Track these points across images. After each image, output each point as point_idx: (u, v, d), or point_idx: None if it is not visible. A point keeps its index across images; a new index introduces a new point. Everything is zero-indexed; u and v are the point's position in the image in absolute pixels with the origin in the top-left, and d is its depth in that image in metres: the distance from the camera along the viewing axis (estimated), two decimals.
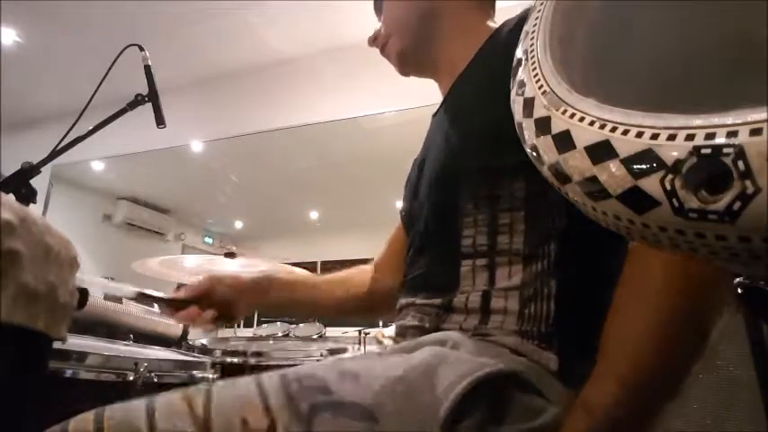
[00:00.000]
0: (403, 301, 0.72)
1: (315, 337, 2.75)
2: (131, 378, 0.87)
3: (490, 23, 0.81)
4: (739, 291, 0.30)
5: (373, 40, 0.88)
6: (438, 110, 0.82)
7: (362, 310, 0.97)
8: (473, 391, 0.48)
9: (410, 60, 0.85)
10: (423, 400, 0.48)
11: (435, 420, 0.46)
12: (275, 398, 0.46)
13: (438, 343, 0.58)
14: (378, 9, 0.89)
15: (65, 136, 1.13)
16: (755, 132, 0.21)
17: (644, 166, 0.25)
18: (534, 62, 0.34)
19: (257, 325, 3.83)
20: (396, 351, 0.62)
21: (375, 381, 0.49)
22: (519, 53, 0.37)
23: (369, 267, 0.99)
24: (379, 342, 2.96)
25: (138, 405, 0.45)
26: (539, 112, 0.32)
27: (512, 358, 0.55)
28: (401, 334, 0.70)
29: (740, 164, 0.21)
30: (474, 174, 0.65)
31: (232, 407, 0.45)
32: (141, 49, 1.24)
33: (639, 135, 0.25)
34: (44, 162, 1.06)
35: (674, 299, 0.46)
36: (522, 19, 0.68)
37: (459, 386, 0.48)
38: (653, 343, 0.47)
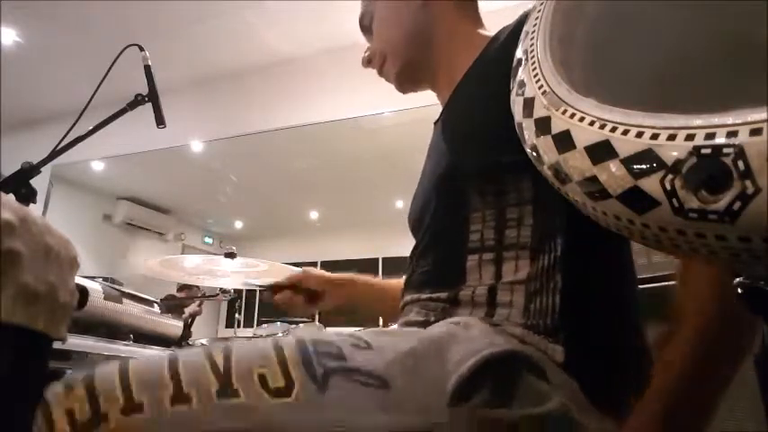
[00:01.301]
0: (407, 297, 0.72)
1: None
2: None
3: (482, 31, 0.82)
4: (739, 291, 0.30)
5: (368, 62, 0.88)
6: (439, 117, 0.82)
7: None
8: (482, 368, 0.49)
9: (410, 76, 0.86)
10: (433, 373, 0.49)
11: (444, 394, 0.47)
12: (292, 359, 0.47)
13: (450, 323, 0.58)
14: (366, 30, 0.89)
15: (65, 136, 1.13)
16: (755, 132, 0.21)
17: (644, 166, 0.25)
18: (534, 62, 0.34)
19: (257, 325, 3.83)
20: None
21: (387, 351, 0.50)
22: (519, 53, 0.37)
23: None
24: None
25: (161, 356, 0.47)
26: (539, 112, 0.32)
27: (519, 345, 0.56)
28: None
29: (740, 164, 0.21)
30: (478, 171, 0.65)
31: (251, 363, 0.46)
32: (141, 49, 1.24)
33: (639, 135, 0.25)
34: (44, 162, 1.06)
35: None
36: (519, 23, 0.68)
37: (469, 362, 0.49)
38: (720, 305, 0.48)
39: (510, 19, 0.73)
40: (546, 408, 0.49)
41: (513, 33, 0.69)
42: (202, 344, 1.51)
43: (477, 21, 0.83)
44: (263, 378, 0.45)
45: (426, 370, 0.49)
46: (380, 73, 0.88)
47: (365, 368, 0.48)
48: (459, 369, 0.48)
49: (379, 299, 1.03)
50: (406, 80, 0.86)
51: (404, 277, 1.01)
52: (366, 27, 0.88)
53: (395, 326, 0.77)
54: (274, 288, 1.04)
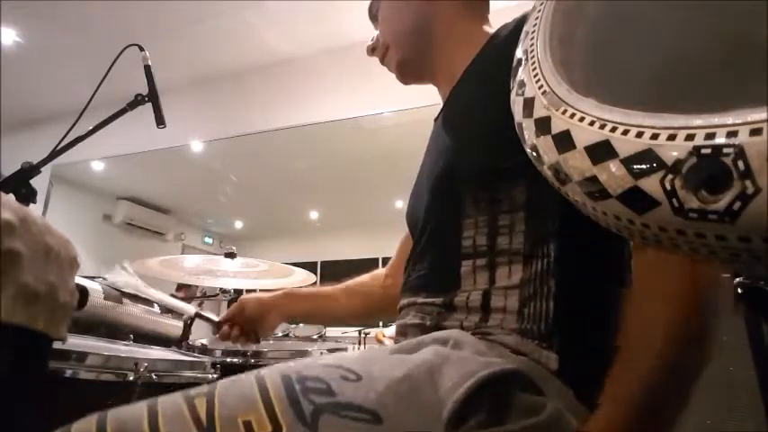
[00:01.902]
0: (404, 300, 0.72)
1: (315, 337, 2.75)
2: (131, 378, 0.87)
3: (486, 28, 0.82)
4: (739, 291, 0.30)
5: (372, 50, 0.89)
6: (439, 114, 0.82)
7: (377, 313, 1.07)
8: (476, 390, 0.48)
9: (410, 70, 0.87)
10: (426, 400, 0.48)
11: (439, 421, 0.46)
12: (278, 400, 0.45)
13: (439, 342, 0.58)
14: (373, 18, 0.90)
15: (65, 136, 1.13)
16: (755, 132, 0.21)
17: (644, 166, 0.25)
18: (534, 62, 0.34)
19: None
20: (396, 350, 0.62)
21: (377, 381, 0.49)
22: (519, 53, 0.37)
23: (382, 271, 1.05)
24: (380, 342, 2.96)
25: (140, 409, 0.45)
26: (539, 112, 0.32)
27: (512, 358, 0.55)
28: (402, 333, 0.70)
29: (740, 164, 0.21)
30: (474, 176, 0.65)
31: (235, 410, 0.44)
32: (141, 49, 1.24)
33: (639, 135, 0.25)
34: (44, 162, 1.06)
35: (684, 306, 0.48)
36: (520, 22, 0.68)
37: (463, 387, 0.48)
38: (665, 342, 0.48)
39: (510, 19, 0.73)
40: (540, 418, 0.49)
41: (513, 32, 0.70)
42: (202, 344, 1.51)
43: (482, 18, 0.84)
44: (248, 425, 0.43)
45: (420, 397, 0.48)
46: (382, 62, 0.89)
47: (356, 402, 0.46)
48: (453, 394, 0.48)
49: (321, 307, 1.05)
50: (407, 72, 0.87)
51: (346, 282, 1.04)
52: (374, 15, 0.90)
53: (393, 326, 0.77)
54: (217, 324, 1.04)
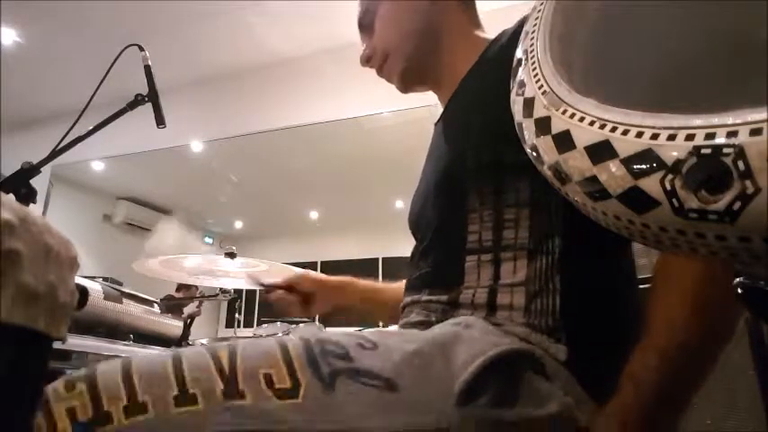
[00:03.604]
0: (408, 299, 0.72)
1: None
2: None
3: (480, 33, 0.82)
4: (739, 291, 0.30)
5: (367, 60, 0.85)
6: (440, 117, 0.82)
7: None
8: (488, 368, 0.49)
9: (413, 79, 0.84)
10: (439, 374, 0.49)
11: (451, 396, 0.47)
12: (298, 359, 0.47)
13: (451, 324, 0.59)
14: (364, 27, 0.86)
15: (65, 136, 1.13)
16: (755, 132, 0.21)
17: (644, 166, 0.25)
18: (534, 62, 0.34)
19: (257, 325, 3.83)
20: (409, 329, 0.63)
21: (393, 352, 0.50)
22: (519, 53, 0.37)
23: None
24: None
25: (164, 355, 0.46)
26: (539, 112, 0.32)
27: (522, 344, 0.56)
28: None
29: (740, 164, 0.21)
30: (479, 172, 0.66)
31: (257, 363, 0.46)
32: (141, 49, 1.24)
33: (639, 135, 0.25)
34: (44, 162, 1.06)
35: (707, 286, 0.49)
36: (520, 25, 0.69)
37: (475, 363, 0.49)
38: (688, 319, 0.50)
39: (509, 19, 0.73)
40: (548, 410, 0.50)
41: (513, 35, 0.70)
42: (202, 344, 1.51)
43: (478, 22, 0.84)
44: (268, 378, 0.44)
45: (433, 371, 0.50)
46: (380, 72, 0.86)
47: (373, 370, 0.47)
48: (465, 370, 0.49)
49: (378, 304, 1.03)
50: (410, 79, 0.85)
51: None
52: (366, 26, 0.86)
53: (394, 327, 0.77)
54: (271, 287, 1.06)
